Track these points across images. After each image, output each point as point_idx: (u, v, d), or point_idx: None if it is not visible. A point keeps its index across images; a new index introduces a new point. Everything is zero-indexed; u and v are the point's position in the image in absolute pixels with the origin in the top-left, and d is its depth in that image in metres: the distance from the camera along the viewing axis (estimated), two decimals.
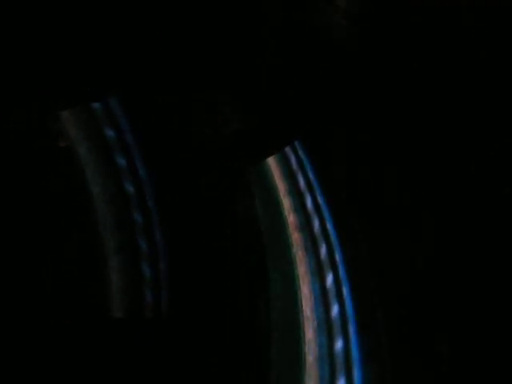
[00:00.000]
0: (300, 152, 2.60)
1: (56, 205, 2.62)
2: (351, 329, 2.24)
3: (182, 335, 2.45)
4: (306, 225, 2.46)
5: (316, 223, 2.46)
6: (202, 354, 2.40)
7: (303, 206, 2.49)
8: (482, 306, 2.24)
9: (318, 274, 2.39)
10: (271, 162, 2.61)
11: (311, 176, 2.56)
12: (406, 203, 2.43)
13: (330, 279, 2.37)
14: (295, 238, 2.46)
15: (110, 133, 2.69)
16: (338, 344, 2.24)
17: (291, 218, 2.51)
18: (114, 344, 2.43)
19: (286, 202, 2.54)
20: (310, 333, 2.29)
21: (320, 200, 2.50)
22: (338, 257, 2.40)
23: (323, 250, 2.42)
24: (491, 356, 2.19)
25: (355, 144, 2.58)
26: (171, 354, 2.41)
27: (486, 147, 2.43)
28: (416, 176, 2.46)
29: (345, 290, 2.30)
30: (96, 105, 2.63)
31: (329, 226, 2.46)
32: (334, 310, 2.29)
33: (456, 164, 2.44)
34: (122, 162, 2.69)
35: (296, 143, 2.61)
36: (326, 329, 2.28)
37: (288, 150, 2.61)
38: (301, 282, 2.39)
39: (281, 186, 2.58)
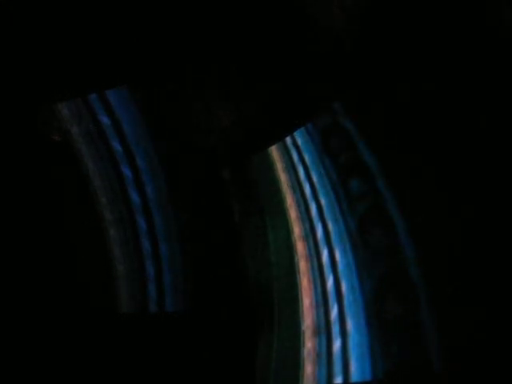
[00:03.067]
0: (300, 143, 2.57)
1: (54, 198, 2.55)
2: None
3: (185, 331, 2.56)
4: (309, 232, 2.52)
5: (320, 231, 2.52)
6: (201, 351, 2.54)
7: (308, 214, 2.53)
8: None
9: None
10: (274, 155, 2.58)
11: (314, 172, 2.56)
12: None
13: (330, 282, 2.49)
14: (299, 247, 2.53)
15: (105, 120, 2.55)
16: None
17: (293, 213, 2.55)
18: (119, 340, 2.52)
19: (289, 196, 2.56)
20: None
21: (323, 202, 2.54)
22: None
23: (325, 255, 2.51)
24: None
25: (355, 134, 2.57)
26: (174, 350, 2.54)
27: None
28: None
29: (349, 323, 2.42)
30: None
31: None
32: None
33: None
34: (118, 147, 2.60)
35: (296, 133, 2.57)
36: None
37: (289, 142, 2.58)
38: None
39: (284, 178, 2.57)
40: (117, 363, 2.51)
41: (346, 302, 2.44)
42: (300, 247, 2.49)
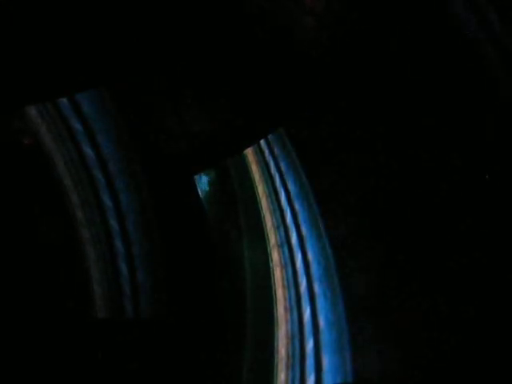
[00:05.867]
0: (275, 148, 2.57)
1: (26, 200, 2.52)
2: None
3: (160, 336, 2.56)
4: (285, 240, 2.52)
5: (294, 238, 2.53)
6: (177, 354, 2.54)
7: (283, 220, 2.53)
8: None
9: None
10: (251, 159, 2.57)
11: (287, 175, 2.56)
12: None
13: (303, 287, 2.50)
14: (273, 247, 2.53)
15: (76, 125, 2.50)
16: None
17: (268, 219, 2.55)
18: (96, 344, 2.51)
19: (264, 203, 2.56)
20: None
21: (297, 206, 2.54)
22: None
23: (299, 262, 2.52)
24: None
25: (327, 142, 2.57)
26: (150, 355, 2.54)
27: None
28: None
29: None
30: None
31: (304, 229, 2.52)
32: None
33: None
34: (89, 152, 2.55)
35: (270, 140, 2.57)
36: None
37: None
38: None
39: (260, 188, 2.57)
40: (92, 367, 2.50)
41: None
42: (275, 255, 2.49)
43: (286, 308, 2.44)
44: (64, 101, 2.42)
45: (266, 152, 2.53)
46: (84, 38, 2.27)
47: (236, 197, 2.55)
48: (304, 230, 2.47)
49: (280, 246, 2.46)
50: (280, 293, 2.45)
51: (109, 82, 2.41)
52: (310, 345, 2.37)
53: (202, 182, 2.57)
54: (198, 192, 2.57)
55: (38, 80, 2.31)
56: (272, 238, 2.49)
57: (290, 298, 2.44)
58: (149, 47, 2.38)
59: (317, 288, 2.41)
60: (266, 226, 2.49)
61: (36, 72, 2.29)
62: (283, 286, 2.45)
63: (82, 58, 2.29)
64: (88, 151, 2.52)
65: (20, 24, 2.23)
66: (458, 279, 2.28)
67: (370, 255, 2.38)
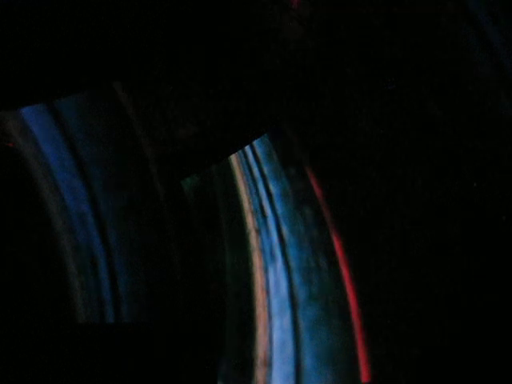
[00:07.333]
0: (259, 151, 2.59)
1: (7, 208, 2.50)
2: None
3: (141, 341, 2.54)
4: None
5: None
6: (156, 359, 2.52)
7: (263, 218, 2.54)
8: None
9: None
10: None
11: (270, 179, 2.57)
12: None
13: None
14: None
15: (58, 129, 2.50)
16: None
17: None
18: (76, 349, 2.48)
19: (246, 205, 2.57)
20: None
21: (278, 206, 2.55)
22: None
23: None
24: None
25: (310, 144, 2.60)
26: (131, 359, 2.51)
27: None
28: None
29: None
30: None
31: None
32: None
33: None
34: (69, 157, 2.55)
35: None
36: None
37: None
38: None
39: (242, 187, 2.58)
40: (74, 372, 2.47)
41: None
42: (256, 259, 2.50)
43: (266, 311, 2.45)
44: (44, 106, 2.42)
45: (250, 156, 2.55)
46: (77, 39, 2.27)
47: (219, 201, 2.56)
48: (285, 233, 2.49)
49: (261, 250, 2.47)
50: (260, 297, 2.45)
51: (105, 83, 2.40)
52: (290, 347, 2.38)
53: (186, 186, 2.57)
54: (184, 195, 2.56)
55: (33, 81, 2.30)
56: (253, 241, 2.50)
57: (270, 302, 2.45)
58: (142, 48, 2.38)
59: (298, 290, 2.42)
60: (247, 228, 2.50)
61: (31, 73, 2.28)
62: (263, 289, 2.46)
63: (73, 59, 2.28)
64: (68, 155, 2.51)
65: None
66: (458, 280, 2.30)
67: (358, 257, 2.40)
